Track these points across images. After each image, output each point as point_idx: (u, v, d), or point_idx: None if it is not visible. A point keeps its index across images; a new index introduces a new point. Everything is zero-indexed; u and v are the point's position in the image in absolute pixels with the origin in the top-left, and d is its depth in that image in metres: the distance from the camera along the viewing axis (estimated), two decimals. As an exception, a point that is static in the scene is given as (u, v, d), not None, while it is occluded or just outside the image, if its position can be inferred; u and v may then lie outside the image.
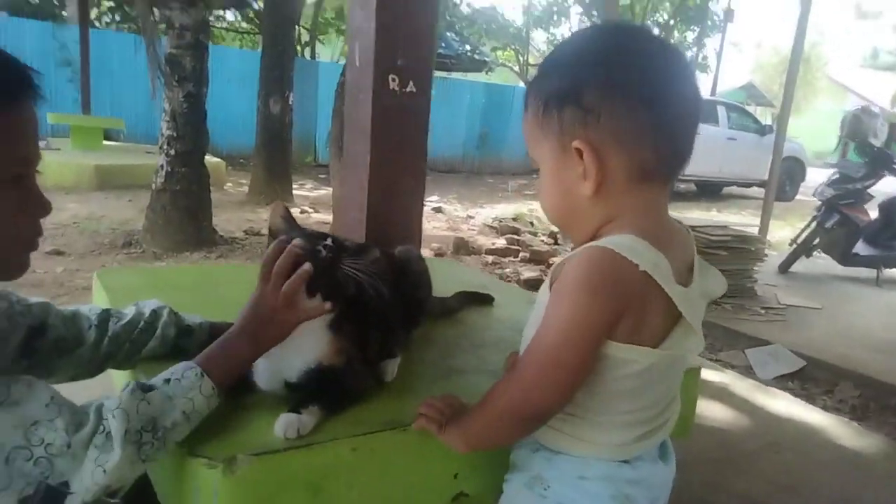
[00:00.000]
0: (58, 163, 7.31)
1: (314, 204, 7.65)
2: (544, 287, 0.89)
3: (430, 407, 0.98)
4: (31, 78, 0.81)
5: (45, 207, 0.87)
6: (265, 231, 5.73)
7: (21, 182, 0.82)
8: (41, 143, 6.26)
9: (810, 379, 3.41)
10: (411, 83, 1.50)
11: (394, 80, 1.48)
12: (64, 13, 12.61)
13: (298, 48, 12.85)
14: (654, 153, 0.81)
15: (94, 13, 12.59)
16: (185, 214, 5.08)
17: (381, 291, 1.02)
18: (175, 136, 5.03)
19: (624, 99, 0.79)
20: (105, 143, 9.04)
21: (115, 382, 1.27)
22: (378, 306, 1.11)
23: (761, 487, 2.14)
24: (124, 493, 1.13)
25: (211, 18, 5.48)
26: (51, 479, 0.71)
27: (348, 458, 0.94)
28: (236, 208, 7.02)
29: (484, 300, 1.67)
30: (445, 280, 1.71)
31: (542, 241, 6.60)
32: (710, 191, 12.76)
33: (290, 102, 7.73)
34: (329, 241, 0.96)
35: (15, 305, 0.98)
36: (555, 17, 17.88)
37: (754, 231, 5.35)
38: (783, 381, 3.39)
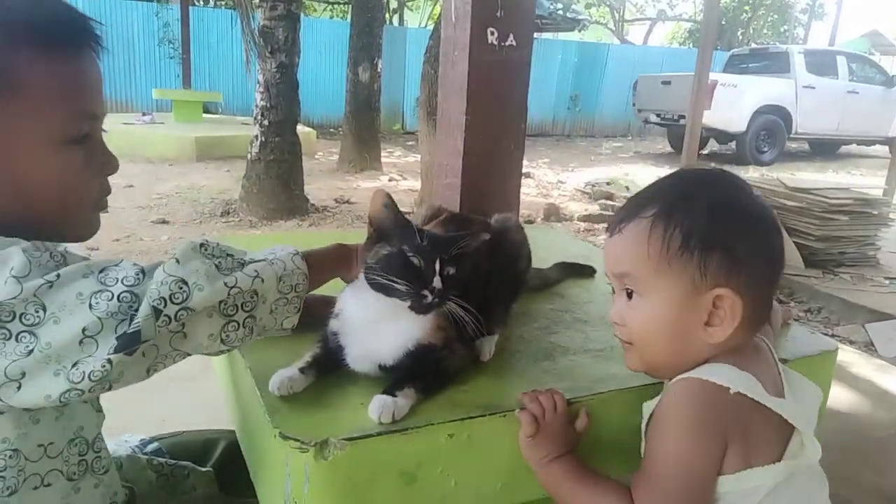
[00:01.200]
0: (161, 136, 7.69)
1: (402, 171, 7.67)
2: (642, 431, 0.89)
3: (536, 403, 0.90)
4: (93, 28, 0.78)
5: (113, 165, 0.85)
6: (355, 199, 5.83)
7: (88, 140, 0.80)
8: (147, 118, 6.58)
9: (942, 359, 3.06)
10: (511, 36, 1.37)
11: (492, 33, 1.36)
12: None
13: (387, 15, 12.84)
14: (768, 304, 0.87)
15: (192, -9, 13.06)
16: (277, 183, 5.20)
17: (477, 318, 0.94)
18: (268, 107, 5.14)
19: (765, 253, 0.83)
20: (204, 115, 9.44)
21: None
22: (477, 283, 1.03)
23: (893, 480, 1.93)
24: (215, 463, 1.13)
25: (300, -12, 5.51)
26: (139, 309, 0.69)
27: (444, 444, 0.87)
28: (327, 177, 7.14)
29: (584, 272, 1.55)
30: (540, 248, 1.60)
31: (638, 206, 6.30)
32: (825, 150, 11.77)
33: (379, 70, 7.73)
34: (437, 283, 0.87)
35: None
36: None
37: (878, 193, 4.87)
38: (908, 361, 3.07)
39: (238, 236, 4.11)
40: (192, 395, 2.15)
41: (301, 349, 0.98)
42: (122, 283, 0.69)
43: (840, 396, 2.44)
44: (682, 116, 8.55)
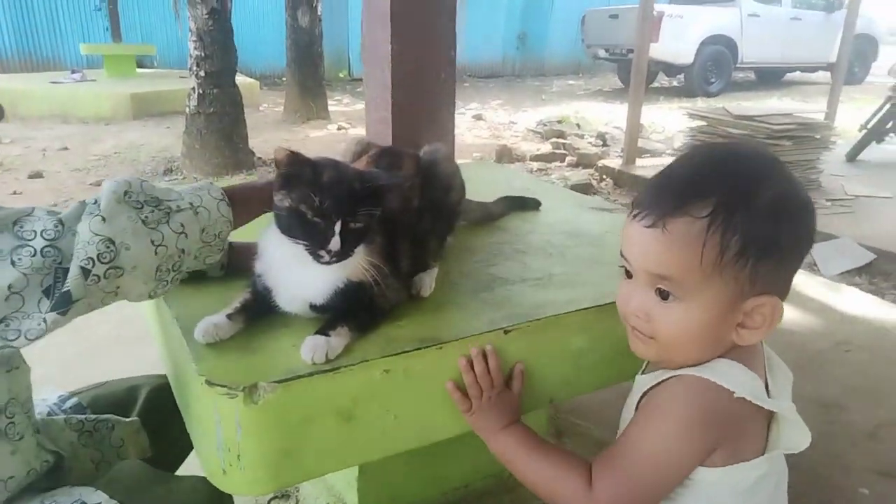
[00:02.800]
0: (94, 94, 7.30)
1: (350, 119, 7.48)
2: (630, 403, 0.87)
3: (471, 379, 0.90)
4: None
5: None
6: (303, 151, 5.68)
7: None
8: (76, 76, 6.14)
9: (879, 273, 3.19)
10: (436, -46, 1.29)
11: (414, -44, 1.27)
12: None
13: (324, -45, 12.24)
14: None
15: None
16: (220, 137, 5.00)
17: (386, 278, 0.92)
18: (203, 56, 4.89)
19: (804, 249, 0.78)
20: (138, 70, 8.96)
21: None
22: (406, 218, 0.99)
23: (832, 390, 2.02)
24: (142, 411, 1.08)
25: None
26: (63, 263, 0.70)
27: (380, 380, 0.86)
28: (273, 129, 6.92)
29: (529, 205, 1.53)
30: (484, 184, 1.58)
31: (590, 143, 6.31)
32: (770, 78, 11.91)
33: (319, 13, 7.41)
34: (334, 245, 0.82)
35: None
36: None
37: (820, 118, 4.96)
38: (849, 277, 3.18)
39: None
40: (135, 360, 2.09)
41: (231, 296, 0.94)
42: (42, 236, 0.70)
43: (785, 315, 2.52)
44: (631, 50, 8.49)
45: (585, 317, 1.01)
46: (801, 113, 4.65)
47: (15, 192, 4.33)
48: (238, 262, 1.03)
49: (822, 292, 2.83)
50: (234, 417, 0.78)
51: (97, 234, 0.71)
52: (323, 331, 0.86)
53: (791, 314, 2.55)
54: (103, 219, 0.72)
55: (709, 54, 10.12)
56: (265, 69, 11.01)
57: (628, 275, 0.81)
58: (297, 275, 0.88)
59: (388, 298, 0.94)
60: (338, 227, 0.82)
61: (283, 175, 0.84)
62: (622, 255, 0.81)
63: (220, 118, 4.99)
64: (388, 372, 0.86)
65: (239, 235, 0.96)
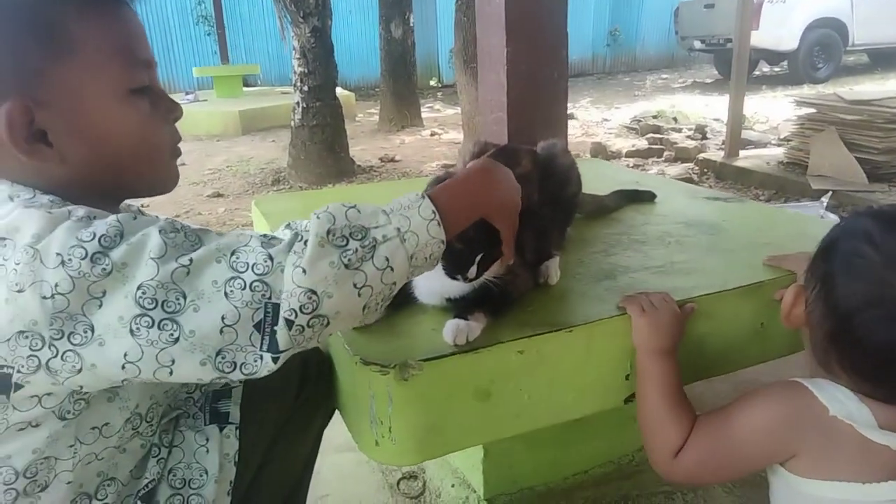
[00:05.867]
0: (206, 113, 7.83)
1: (443, 125, 7.63)
2: None
3: (644, 295, 0.99)
4: None
5: (177, 111, 0.87)
6: (399, 157, 5.88)
7: (150, 89, 0.83)
8: (189, 97, 6.59)
9: None
10: (545, -40, 1.35)
11: (526, -38, 1.33)
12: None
13: (413, -33, 12.54)
14: None
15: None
16: (323, 147, 5.26)
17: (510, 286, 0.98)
18: (306, 73, 5.16)
19: None
20: (245, 89, 9.53)
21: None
22: (528, 211, 1.05)
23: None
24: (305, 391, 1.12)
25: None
26: (273, 298, 0.69)
27: (515, 361, 0.91)
28: (369, 138, 7.17)
29: (644, 197, 1.54)
30: (595, 179, 1.60)
31: (688, 136, 6.12)
32: (886, 60, 11.04)
33: (411, 24, 7.63)
34: (471, 273, 0.90)
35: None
36: None
37: (949, 99, 4.58)
38: None
39: (293, 194, 4.17)
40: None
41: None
42: (253, 270, 0.70)
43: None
44: (729, 40, 8.15)
45: (710, 302, 1.02)
46: (925, 94, 4.32)
47: (143, 205, 4.74)
48: None
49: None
50: (387, 392, 0.86)
51: (299, 286, 0.69)
52: (462, 315, 0.93)
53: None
54: (304, 270, 0.69)
55: (815, 38, 9.55)
56: (360, 81, 11.44)
57: None
58: (438, 272, 0.93)
59: (517, 287, 1.00)
60: (478, 258, 0.90)
61: None
62: None
63: (322, 130, 5.25)
64: (522, 353, 0.92)
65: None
